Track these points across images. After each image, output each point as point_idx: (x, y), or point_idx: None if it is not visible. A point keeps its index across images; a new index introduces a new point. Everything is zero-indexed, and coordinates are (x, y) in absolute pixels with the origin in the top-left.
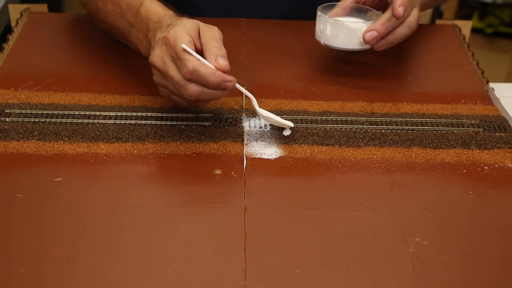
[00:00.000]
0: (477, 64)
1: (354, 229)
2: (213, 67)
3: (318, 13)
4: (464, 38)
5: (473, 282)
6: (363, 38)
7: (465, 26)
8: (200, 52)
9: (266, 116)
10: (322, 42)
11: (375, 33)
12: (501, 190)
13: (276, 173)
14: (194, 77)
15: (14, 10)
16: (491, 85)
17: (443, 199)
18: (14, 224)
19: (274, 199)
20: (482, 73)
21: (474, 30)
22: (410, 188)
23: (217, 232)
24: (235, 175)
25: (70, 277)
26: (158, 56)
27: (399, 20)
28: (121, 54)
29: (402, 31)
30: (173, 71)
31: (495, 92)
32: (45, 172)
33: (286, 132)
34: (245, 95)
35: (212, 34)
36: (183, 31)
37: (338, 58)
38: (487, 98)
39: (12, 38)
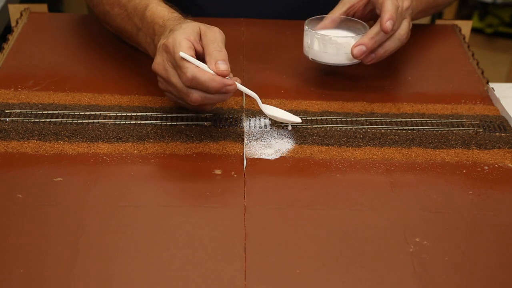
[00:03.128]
0: (477, 64)
1: (354, 229)
2: (212, 72)
3: (305, 27)
4: (464, 38)
5: (473, 282)
6: (351, 53)
7: (465, 26)
8: (202, 55)
9: (272, 115)
10: (310, 57)
11: (363, 48)
12: (501, 190)
13: (276, 173)
14: (194, 84)
15: (14, 10)
16: (491, 85)
17: (443, 199)
18: (14, 224)
19: (274, 199)
20: (482, 73)
21: (474, 30)
22: (410, 188)
23: (217, 232)
24: (235, 175)
25: (70, 277)
26: (160, 64)
27: (387, 34)
28: (121, 54)
29: (392, 44)
30: (175, 78)
31: (495, 92)
32: (45, 172)
33: (289, 127)
34: (247, 95)
35: (213, 36)
36: (183, 37)
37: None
38: (487, 98)
39: (12, 38)
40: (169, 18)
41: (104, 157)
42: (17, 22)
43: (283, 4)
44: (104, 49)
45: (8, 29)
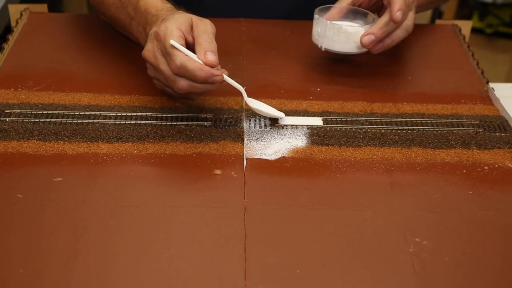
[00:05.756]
0: (477, 64)
1: (354, 229)
2: (201, 62)
3: (316, 16)
4: (464, 38)
5: (473, 282)
6: (361, 42)
7: (465, 26)
8: (193, 45)
9: (256, 108)
10: (319, 45)
11: (372, 37)
12: (501, 190)
13: (276, 173)
14: (182, 72)
15: (14, 10)
16: (491, 85)
17: (443, 199)
18: (14, 224)
19: (274, 199)
20: (482, 73)
21: (474, 30)
22: (410, 188)
23: (217, 232)
24: (235, 175)
25: (70, 277)
26: (150, 51)
27: (397, 24)
28: (121, 54)
29: (399, 34)
30: (163, 66)
31: (495, 92)
32: (45, 172)
33: (281, 121)
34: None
35: (204, 28)
36: (174, 26)
37: (338, 58)
38: (487, 98)
39: (12, 38)
40: (162, 9)
41: (104, 157)
42: (17, 22)
43: (288, 2)
44: (104, 49)
45: (8, 29)
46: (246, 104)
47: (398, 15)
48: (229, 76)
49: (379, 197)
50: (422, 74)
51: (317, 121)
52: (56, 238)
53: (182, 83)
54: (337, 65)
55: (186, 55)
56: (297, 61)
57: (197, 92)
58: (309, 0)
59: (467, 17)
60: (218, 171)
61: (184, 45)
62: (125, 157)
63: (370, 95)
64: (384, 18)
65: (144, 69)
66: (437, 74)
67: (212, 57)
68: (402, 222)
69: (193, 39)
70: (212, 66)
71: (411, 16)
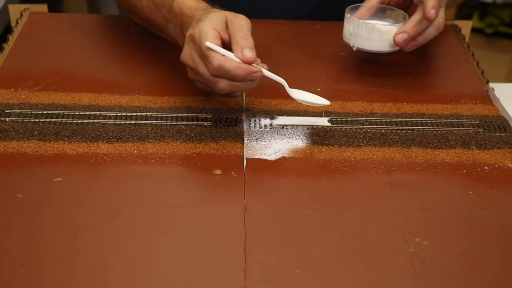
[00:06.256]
0: (477, 64)
1: (354, 229)
2: (238, 60)
3: (347, 15)
4: (464, 38)
5: (473, 282)
6: (394, 40)
7: (465, 26)
8: (229, 43)
9: (300, 99)
10: (351, 44)
11: (405, 35)
12: (501, 190)
13: (276, 173)
14: (221, 73)
15: (14, 10)
16: (491, 85)
17: (443, 199)
18: (14, 224)
19: (274, 199)
20: (482, 73)
21: (474, 30)
22: (410, 188)
23: (217, 232)
24: (235, 175)
25: (70, 277)
26: (187, 54)
27: (430, 22)
28: (121, 54)
29: (431, 32)
30: (202, 68)
31: (495, 92)
32: (45, 172)
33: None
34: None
35: (239, 24)
36: (209, 26)
37: (338, 59)
38: (487, 98)
39: (12, 38)
40: (197, 8)
41: (104, 157)
42: (17, 22)
43: (298, 6)
44: (104, 49)
45: (8, 29)
46: (246, 104)
47: (432, 12)
48: None
49: (379, 197)
50: (422, 74)
51: (324, 121)
52: (56, 238)
53: (222, 84)
54: (337, 65)
55: (223, 55)
56: (297, 61)
57: (239, 90)
58: (309, 0)
59: (467, 17)
60: (218, 171)
61: (220, 44)
62: (125, 157)
63: (370, 95)
64: (417, 16)
65: (144, 69)
66: (437, 74)
67: (249, 54)
68: (402, 222)
69: (229, 36)
70: (250, 63)
71: (442, 14)
